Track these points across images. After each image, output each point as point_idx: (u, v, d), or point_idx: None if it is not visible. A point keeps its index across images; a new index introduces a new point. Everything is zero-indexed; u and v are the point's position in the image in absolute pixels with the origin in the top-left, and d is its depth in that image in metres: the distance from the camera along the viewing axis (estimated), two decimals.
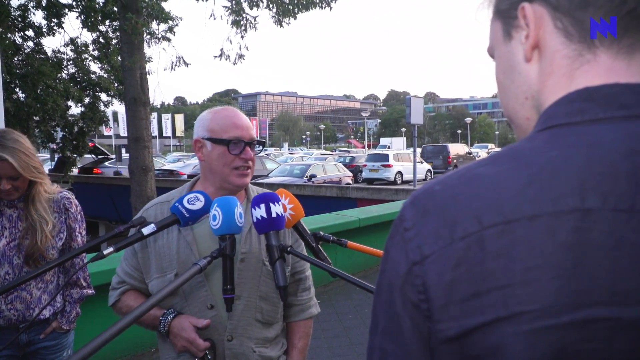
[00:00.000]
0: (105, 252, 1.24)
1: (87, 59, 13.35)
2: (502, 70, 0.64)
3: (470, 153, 28.54)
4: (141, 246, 1.57)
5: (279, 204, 1.35)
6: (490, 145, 51.31)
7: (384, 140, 51.99)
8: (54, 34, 12.61)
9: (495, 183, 0.52)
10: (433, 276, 0.52)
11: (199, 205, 1.39)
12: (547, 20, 0.57)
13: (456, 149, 27.66)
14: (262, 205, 1.32)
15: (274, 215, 1.32)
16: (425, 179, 21.16)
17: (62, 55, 13.26)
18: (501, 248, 0.49)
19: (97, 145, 22.36)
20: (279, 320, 1.64)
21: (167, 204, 1.60)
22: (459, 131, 72.23)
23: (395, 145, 44.36)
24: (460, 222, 0.51)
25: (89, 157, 21.31)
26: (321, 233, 1.52)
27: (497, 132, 78.84)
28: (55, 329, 2.19)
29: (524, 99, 0.61)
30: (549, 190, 0.49)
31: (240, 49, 11.19)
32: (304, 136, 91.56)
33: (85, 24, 11.87)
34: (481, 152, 35.04)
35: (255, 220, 1.34)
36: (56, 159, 16.76)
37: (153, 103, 11.09)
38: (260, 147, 1.62)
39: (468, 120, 54.59)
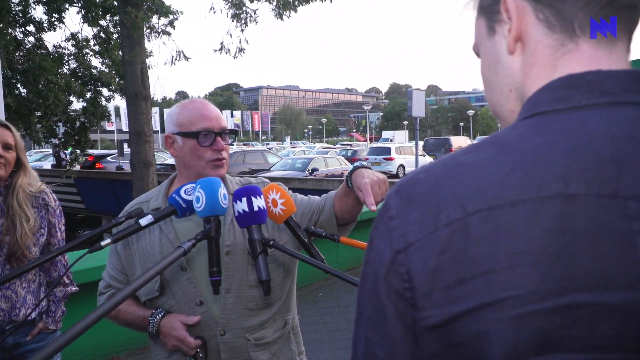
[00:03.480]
0: (102, 243, 1.21)
1: (88, 53, 13.26)
2: (487, 65, 0.64)
3: None
4: (123, 245, 1.54)
5: (260, 197, 1.33)
6: None
7: (386, 134, 51.79)
8: (54, 29, 12.55)
9: (479, 170, 0.51)
10: (417, 264, 0.51)
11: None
12: (529, 12, 0.57)
13: (458, 141, 27.57)
14: (244, 199, 1.30)
15: (255, 208, 1.30)
16: None
17: (63, 51, 13.19)
18: (485, 234, 0.49)
19: (96, 156, 22.16)
20: (280, 297, 1.57)
21: (147, 203, 1.57)
22: (462, 124, 71.86)
23: (397, 138, 44.23)
24: (444, 209, 0.51)
25: (91, 152, 21.26)
26: (312, 228, 1.46)
27: (499, 125, 77.82)
28: (42, 330, 2.13)
29: (509, 92, 0.61)
30: (533, 176, 0.49)
31: (240, 42, 11.10)
32: (305, 130, 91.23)
33: (85, 19, 11.81)
34: None
35: (237, 214, 1.31)
36: (67, 156, 16.67)
37: (154, 97, 11.02)
38: (234, 136, 1.56)
39: (470, 112, 54.37)
